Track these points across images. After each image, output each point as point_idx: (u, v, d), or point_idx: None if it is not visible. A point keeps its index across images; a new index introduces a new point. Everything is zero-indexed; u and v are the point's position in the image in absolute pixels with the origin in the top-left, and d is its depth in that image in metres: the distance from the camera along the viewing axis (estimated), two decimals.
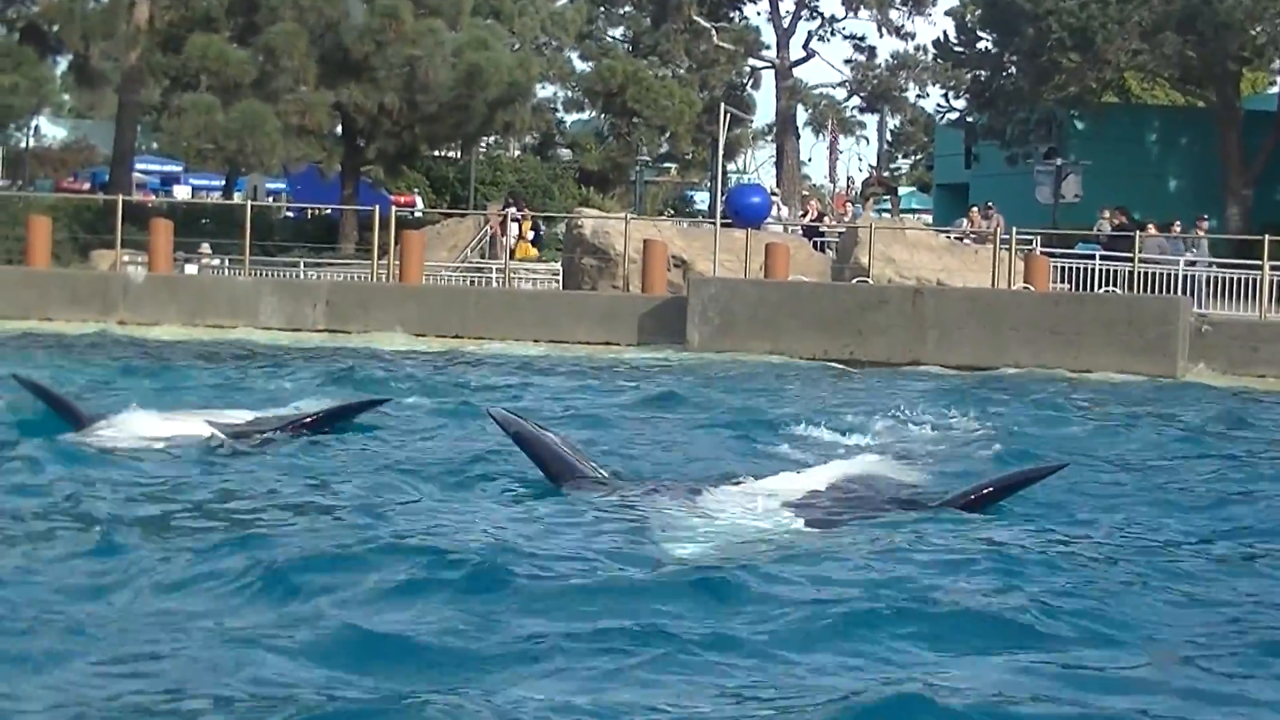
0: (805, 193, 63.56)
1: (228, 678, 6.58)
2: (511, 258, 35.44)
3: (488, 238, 39.32)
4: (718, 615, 7.82)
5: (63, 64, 46.39)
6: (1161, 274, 30.57)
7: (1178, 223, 35.32)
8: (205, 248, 36.48)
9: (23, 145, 61.26)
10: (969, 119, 54.65)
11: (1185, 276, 30.53)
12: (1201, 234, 34.43)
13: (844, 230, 35.73)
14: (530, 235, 40.52)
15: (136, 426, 13.05)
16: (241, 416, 14.38)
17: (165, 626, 7.41)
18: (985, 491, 10.84)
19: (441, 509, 10.66)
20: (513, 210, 39.41)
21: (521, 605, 7.85)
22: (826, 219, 41.52)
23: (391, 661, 6.88)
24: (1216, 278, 31.06)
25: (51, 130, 70.21)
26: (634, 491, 10.93)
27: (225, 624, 7.48)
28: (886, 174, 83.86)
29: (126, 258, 32.40)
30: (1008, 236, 30.65)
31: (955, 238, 35.57)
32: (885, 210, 58.48)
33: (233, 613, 7.72)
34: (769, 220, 34.83)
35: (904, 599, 8.22)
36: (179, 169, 62.94)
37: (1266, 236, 28.97)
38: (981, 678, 6.89)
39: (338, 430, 14.35)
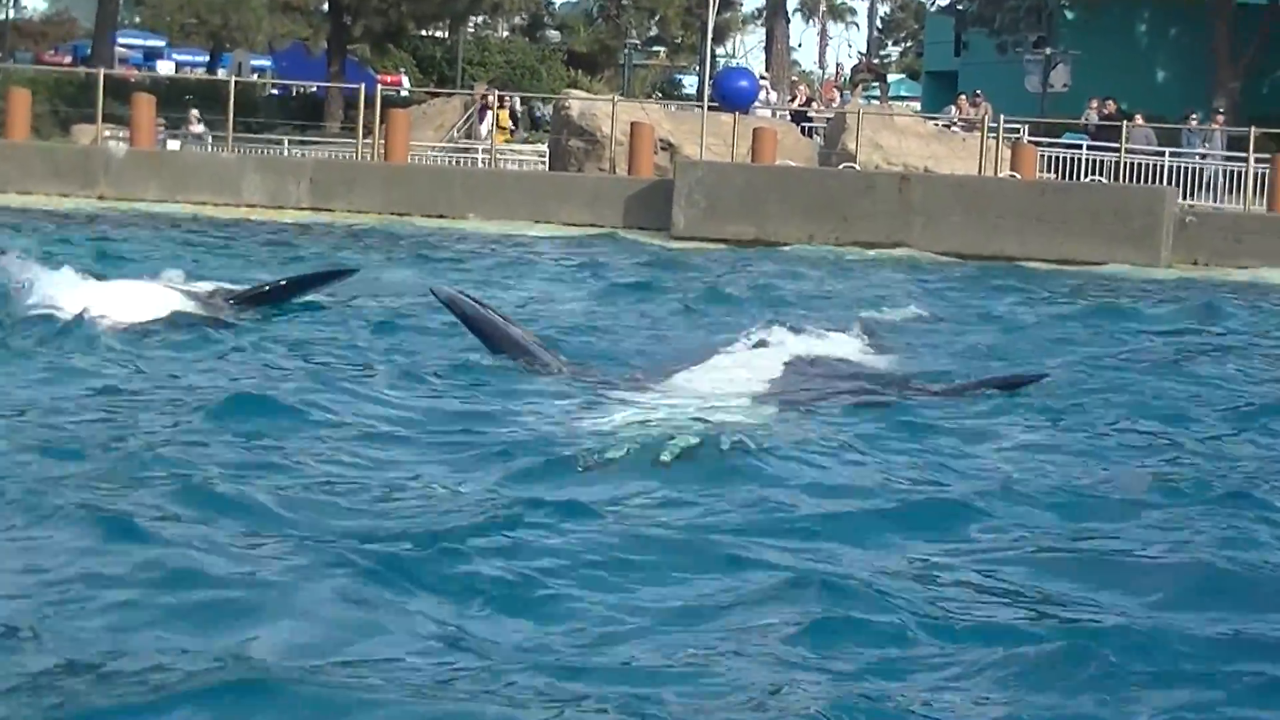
0: (794, 78, 63.05)
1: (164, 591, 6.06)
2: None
3: (475, 118, 38.90)
4: (683, 504, 7.69)
5: None
6: (1147, 165, 30.45)
7: (1194, 115, 35.05)
8: (194, 113, 36.20)
9: (2, 17, 60.56)
10: (959, 6, 54.17)
11: (1171, 168, 30.41)
12: (1216, 127, 34.18)
13: (832, 116, 35.51)
14: (509, 124, 39.98)
15: (96, 295, 12.52)
16: (202, 287, 14.08)
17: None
18: (963, 391, 10.87)
19: (390, 394, 10.26)
20: (490, 96, 38.60)
21: (474, 499, 7.60)
22: (815, 105, 41.21)
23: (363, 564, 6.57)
24: (1202, 169, 30.97)
25: (32, 2, 69.48)
26: (589, 377, 10.81)
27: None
28: (876, 61, 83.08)
29: (108, 132, 32.10)
30: (996, 124, 30.47)
31: (943, 125, 35.38)
32: (874, 97, 57.96)
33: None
34: (757, 105, 34.59)
35: (886, 486, 8.19)
36: (162, 44, 62.31)
37: (1253, 129, 28.95)
38: (967, 566, 6.84)
39: (303, 304, 14.18)
